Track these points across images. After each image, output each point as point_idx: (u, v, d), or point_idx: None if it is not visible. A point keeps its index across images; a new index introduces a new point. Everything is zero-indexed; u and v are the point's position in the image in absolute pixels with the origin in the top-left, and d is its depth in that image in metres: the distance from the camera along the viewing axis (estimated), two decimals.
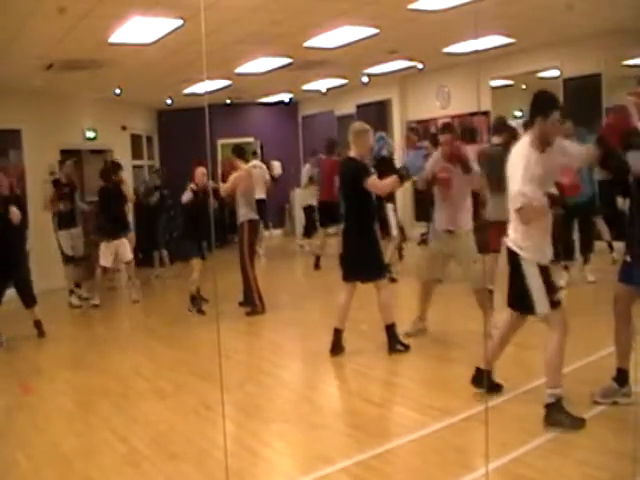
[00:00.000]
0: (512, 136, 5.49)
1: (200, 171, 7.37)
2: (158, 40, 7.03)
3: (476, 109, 10.41)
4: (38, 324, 6.66)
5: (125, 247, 8.23)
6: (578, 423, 3.61)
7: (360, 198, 5.29)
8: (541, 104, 3.68)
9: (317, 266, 9.65)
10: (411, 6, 6.51)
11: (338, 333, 5.46)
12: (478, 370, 4.13)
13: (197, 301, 7.37)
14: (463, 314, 5.77)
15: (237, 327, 6.72)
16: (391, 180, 5.26)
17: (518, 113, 10.16)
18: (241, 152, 7.56)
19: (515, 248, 3.73)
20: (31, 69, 8.11)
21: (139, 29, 6.53)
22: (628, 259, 3.78)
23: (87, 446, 4.00)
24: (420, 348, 5.51)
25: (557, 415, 3.62)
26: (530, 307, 3.71)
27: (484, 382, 3.96)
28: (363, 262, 5.33)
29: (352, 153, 5.42)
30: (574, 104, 8.51)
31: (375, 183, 5.26)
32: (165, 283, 9.92)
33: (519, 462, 3.32)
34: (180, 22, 6.36)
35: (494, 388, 4.17)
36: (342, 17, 6.86)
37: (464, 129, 10.76)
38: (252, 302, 7.27)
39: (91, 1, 5.49)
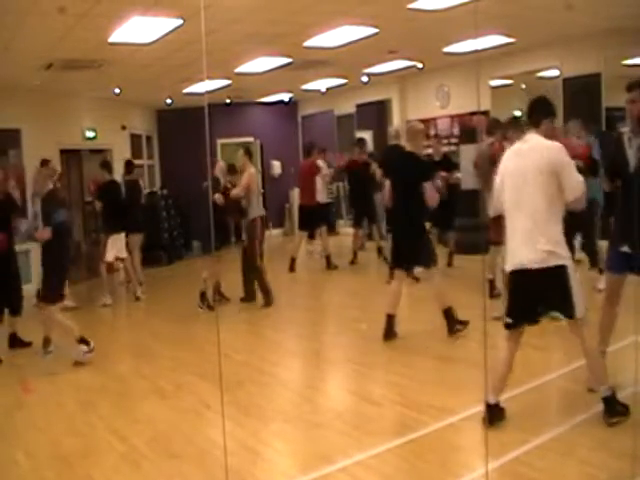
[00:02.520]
0: (504, 137, 5.61)
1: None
2: (158, 40, 7.03)
3: (476, 109, 10.40)
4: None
5: (122, 243, 8.24)
6: (627, 410, 3.67)
7: (417, 190, 5.47)
8: (547, 107, 3.85)
9: (292, 269, 9.71)
10: (411, 6, 6.51)
11: (390, 319, 5.65)
12: (489, 407, 3.76)
13: (206, 298, 7.50)
14: (463, 314, 5.76)
15: (237, 327, 6.73)
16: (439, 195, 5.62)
17: (517, 113, 10.17)
18: (250, 153, 8.04)
19: (562, 261, 3.55)
20: (31, 68, 8.10)
21: (139, 28, 6.52)
22: (626, 249, 3.88)
23: (87, 445, 4.00)
24: (420, 348, 5.52)
25: (614, 406, 3.66)
26: (570, 310, 3.60)
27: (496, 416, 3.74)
28: (415, 250, 5.54)
29: (410, 148, 5.67)
30: (574, 104, 8.51)
31: (433, 192, 5.50)
32: (165, 282, 9.92)
33: (519, 462, 3.32)
34: (180, 22, 6.36)
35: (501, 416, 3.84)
36: (342, 17, 6.85)
37: (463, 129, 10.85)
38: (251, 296, 7.69)
39: (90, 1, 5.48)
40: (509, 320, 3.70)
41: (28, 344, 6.31)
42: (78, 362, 5.63)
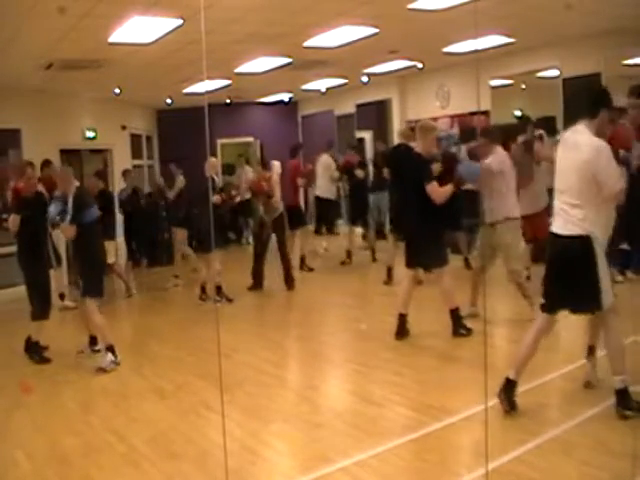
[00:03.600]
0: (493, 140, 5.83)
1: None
2: (158, 40, 7.02)
3: (476, 109, 10.40)
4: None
5: (112, 248, 8.28)
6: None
7: (424, 190, 5.47)
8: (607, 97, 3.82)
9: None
10: (411, 6, 6.51)
11: (403, 317, 5.71)
12: (508, 381, 3.89)
13: (206, 291, 7.96)
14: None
15: (237, 327, 6.72)
16: (448, 188, 5.47)
17: (517, 113, 10.17)
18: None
19: (586, 232, 3.65)
20: (31, 69, 8.10)
21: (139, 29, 6.52)
22: (625, 247, 3.91)
23: (87, 445, 4.00)
24: (420, 348, 5.52)
25: (628, 400, 3.68)
26: (597, 301, 3.65)
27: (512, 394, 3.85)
28: (426, 250, 5.57)
29: (418, 148, 5.65)
30: (574, 104, 8.50)
31: (435, 189, 5.45)
32: (165, 282, 9.90)
33: (519, 462, 3.32)
34: (180, 22, 6.35)
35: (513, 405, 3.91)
36: (342, 17, 6.85)
37: (463, 129, 10.85)
38: (259, 284, 8.45)
39: (91, 1, 5.48)
40: None
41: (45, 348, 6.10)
42: (101, 369, 5.44)
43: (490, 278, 6.66)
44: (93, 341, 5.98)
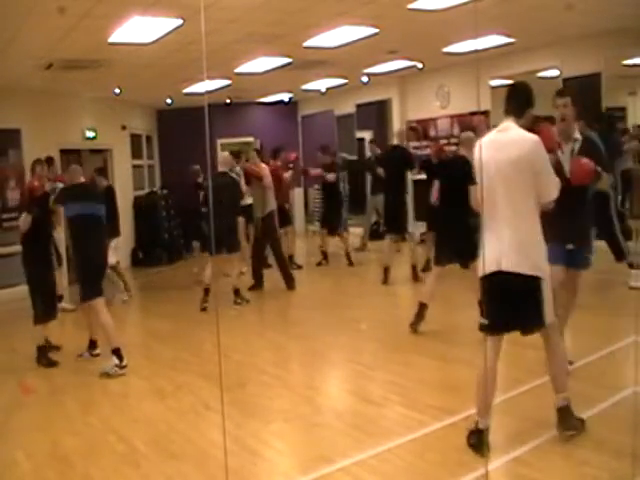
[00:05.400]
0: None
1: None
2: (158, 40, 7.02)
3: (476, 109, 10.40)
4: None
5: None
6: (583, 425, 3.59)
7: (462, 189, 5.40)
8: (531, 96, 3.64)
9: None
10: (411, 6, 6.51)
11: (422, 307, 5.85)
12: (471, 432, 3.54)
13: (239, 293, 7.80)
14: (463, 313, 5.77)
15: (237, 327, 6.72)
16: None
17: None
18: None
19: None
20: (31, 69, 8.10)
21: (139, 29, 6.52)
22: (571, 247, 4.06)
23: (87, 446, 4.00)
24: (420, 348, 5.52)
25: (570, 419, 3.55)
26: (540, 318, 3.41)
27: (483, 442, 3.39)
28: (459, 248, 5.66)
29: (462, 151, 5.88)
30: (574, 104, 8.49)
31: (477, 194, 5.40)
32: (165, 282, 9.92)
33: (519, 462, 3.33)
34: (180, 22, 6.35)
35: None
36: (342, 17, 6.85)
37: (463, 129, 10.83)
38: (259, 284, 8.36)
39: (91, 1, 5.48)
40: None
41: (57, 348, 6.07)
42: (105, 374, 5.29)
43: None
44: (92, 345, 5.87)
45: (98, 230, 5.62)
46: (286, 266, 8.48)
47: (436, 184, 6.47)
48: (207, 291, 7.51)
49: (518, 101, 3.56)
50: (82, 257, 5.58)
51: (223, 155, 8.11)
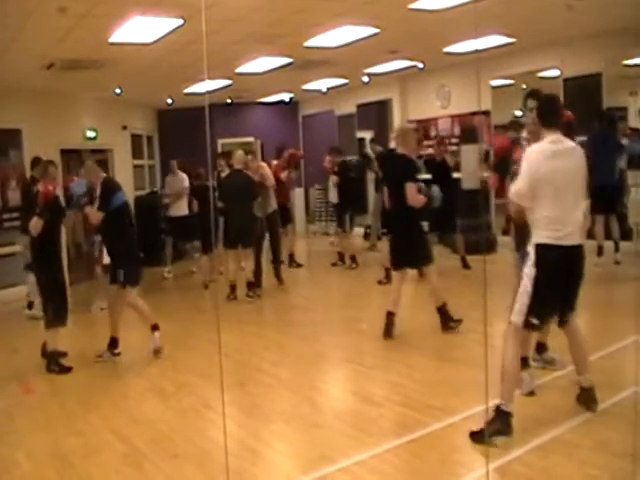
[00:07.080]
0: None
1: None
2: (158, 40, 7.03)
3: (476, 109, 10.41)
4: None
5: None
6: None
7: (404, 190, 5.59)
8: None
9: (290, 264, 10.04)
10: (411, 6, 6.51)
11: (390, 316, 5.77)
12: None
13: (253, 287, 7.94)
14: (463, 313, 5.77)
15: (237, 327, 6.72)
16: (421, 198, 5.64)
17: (518, 113, 10.16)
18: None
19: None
20: (31, 69, 8.11)
21: (139, 29, 6.53)
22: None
23: (87, 446, 4.00)
24: (420, 348, 5.52)
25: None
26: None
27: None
28: (411, 251, 5.75)
29: (401, 150, 5.82)
30: (574, 104, 8.50)
31: (413, 192, 5.56)
32: (165, 282, 9.92)
33: (519, 462, 3.33)
34: (180, 22, 6.36)
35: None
36: (342, 17, 6.86)
37: (464, 129, 10.85)
38: (259, 283, 8.18)
39: (91, 1, 5.49)
40: None
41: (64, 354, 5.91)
42: (157, 350, 5.73)
43: (490, 278, 6.65)
44: (113, 343, 5.81)
45: (126, 216, 5.80)
46: (279, 263, 8.69)
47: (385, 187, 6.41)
48: (233, 288, 7.89)
49: (558, 114, 3.81)
50: (129, 245, 5.74)
51: (238, 153, 8.11)
